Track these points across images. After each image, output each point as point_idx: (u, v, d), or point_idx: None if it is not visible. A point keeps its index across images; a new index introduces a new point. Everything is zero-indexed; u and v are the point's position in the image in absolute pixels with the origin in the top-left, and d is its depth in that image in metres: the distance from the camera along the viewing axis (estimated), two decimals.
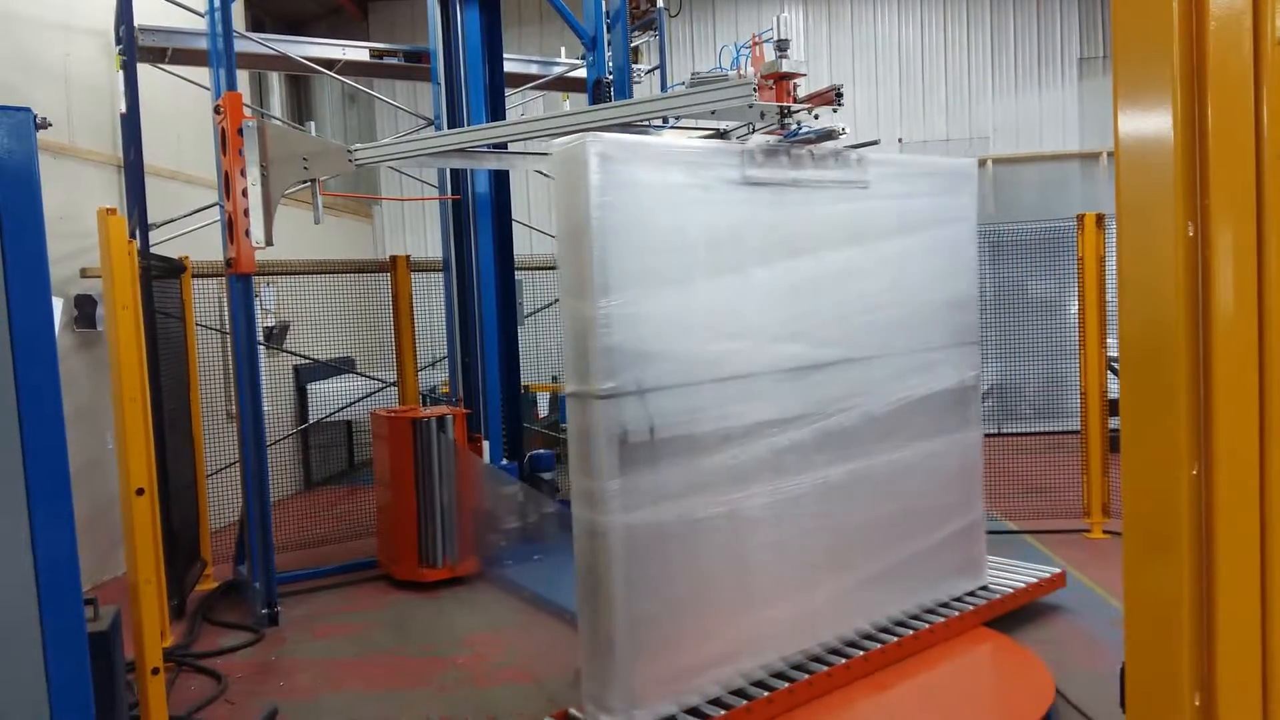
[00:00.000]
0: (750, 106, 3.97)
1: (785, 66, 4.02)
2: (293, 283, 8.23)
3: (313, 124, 9.82)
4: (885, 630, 4.61)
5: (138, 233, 6.02)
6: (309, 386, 9.70)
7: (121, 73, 6.37)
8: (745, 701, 3.88)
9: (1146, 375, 1.46)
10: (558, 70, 8.60)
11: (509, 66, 7.72)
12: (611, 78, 7.12)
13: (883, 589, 4.65)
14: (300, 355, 8.83)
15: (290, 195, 5.63)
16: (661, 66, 8.52)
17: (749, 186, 4.05)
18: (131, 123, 6.25)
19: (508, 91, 7.69)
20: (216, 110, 5.45)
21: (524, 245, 8.62)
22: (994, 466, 8.27)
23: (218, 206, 5.94)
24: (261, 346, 6.59)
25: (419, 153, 5.36)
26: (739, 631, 4.01)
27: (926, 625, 4.67)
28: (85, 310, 6.76)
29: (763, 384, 4.10)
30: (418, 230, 13.70)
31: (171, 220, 6.99)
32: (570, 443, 3.77)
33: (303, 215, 7.65)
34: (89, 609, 3.30)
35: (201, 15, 6.33)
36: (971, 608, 4.92)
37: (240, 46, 6.53)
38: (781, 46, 4.03)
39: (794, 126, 4.14)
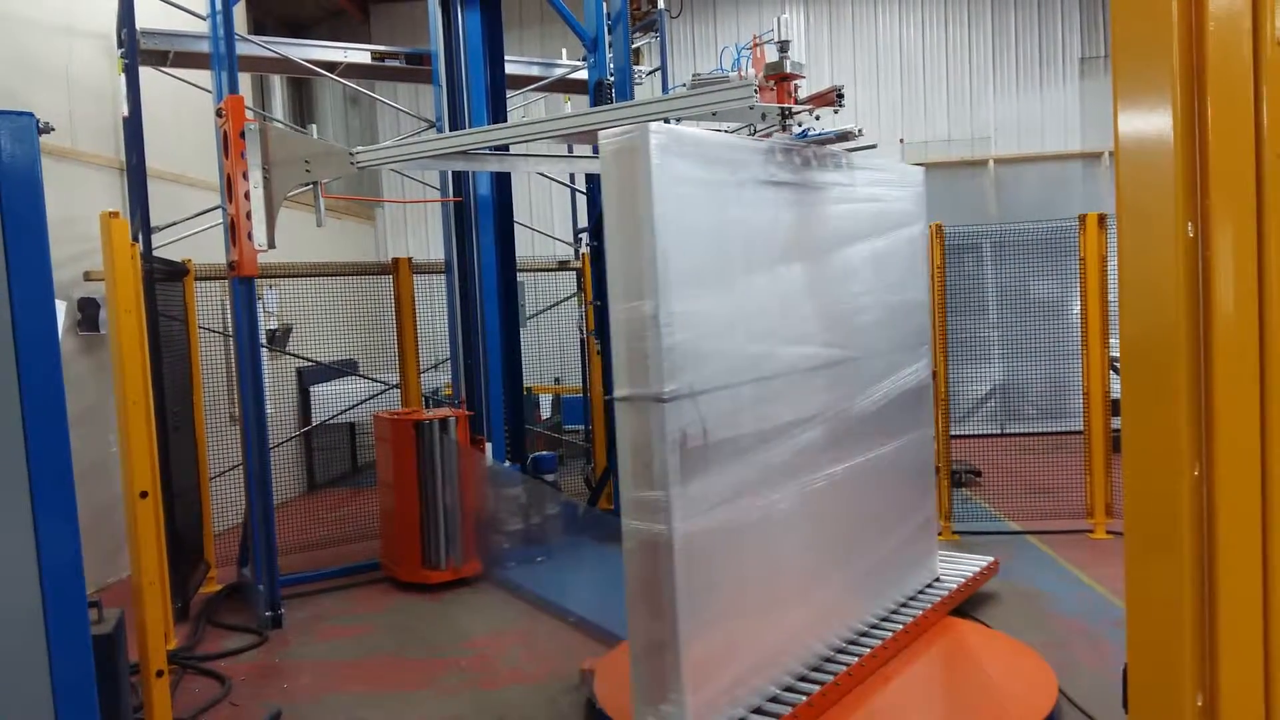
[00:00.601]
0: (751, 108, 3.97)
1: (786, 67, 4.03)
2: (295, 285, 8.24)
3: (314, 126, 9.86)
4: (875, 626, 4.66)
5: (140, 236, 6.03)
6: (312, 389, 9.71)
7: (123, 76, 6.39)
8: (802, 699, 3.86)
9: (1147, 376, 1.46)
10: (559, 72, 8.60)
11: (510, 68, 7.72)
12: (613, 79, 7.13)
13: (875, 584, 4.75)
14: (303, 358, 8.84)
15: (292, 198, 5.64)
16: (663, 68, 8.53)
17: (773, 186, 4.07)
18: (134, 126, 6.27)
19: (509, 93, 7.70)
20: (218, 113, 5.46)
21: (526, 247, 8.63)
22: (997, 467, 8.29)
23: (220, 209, 5.95)
24: (264, 349, 6.59)
25: (420, 155, 5.37)
26: (778, 634, 4.00)
27: (909, 618, 4.75)
28: (88, 313, 6.77)
29: (788, 384, 4.11)
30: (420, 232, 13.73)
31: (174, 223, 7.01)
32: (622, 451, 3.55)
33: (305, 218, 7.67)
34: (93, 611, 3.30)
35: (203, 18, 6.34)
36: (939, 599, 5.04)
37: (242, 49, 6.55)
38: (783, 48, 4.03)
39: (803, 127, 4.15)
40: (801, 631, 4.17)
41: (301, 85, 12.84)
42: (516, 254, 7.59)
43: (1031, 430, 10.03)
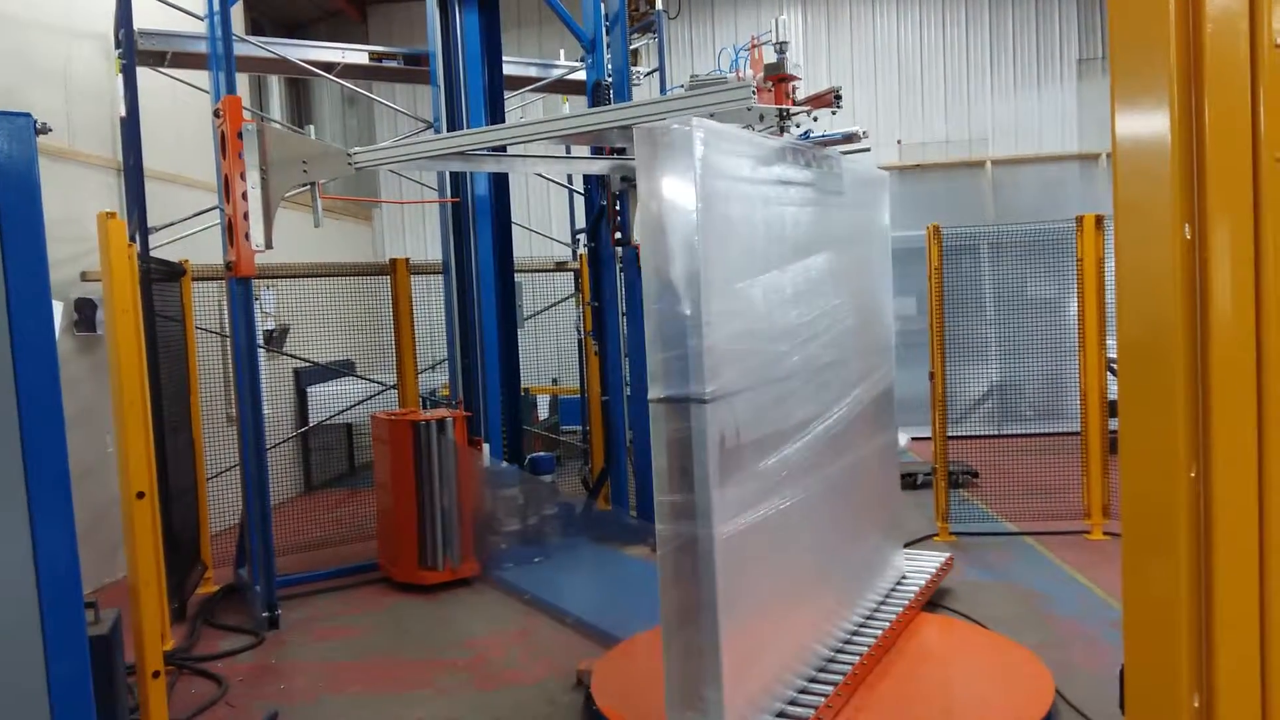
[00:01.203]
0: (749, 109, 3.98)
1: (785, 68, 4.04)
2: (293, 286, 8.23)
3: (312, 127, 9.84)
4: (863, 625, 4.70)
5: (138, 236, 6.02)
6: (309, 389, 9.70)
7: (121, 76, 6.38)
8: (820, 700, 3.88)
9: (1144, 377, 1.46)
10: (557, 73, 8.60)
11: (508, 69, 7.72)
12: (610, 80, 7.13)
13: (861, 583, 4.82)
14: (300, 358, 8.84)
15: (290, 198, 5.64)
16: (660, 69, 8.53)
17: (786, 186, 4.08)
18: (131, 126, 6.26)
19: (507, 94, 7.69)
20: (216, 113, 5.46)
21: (523, 248, 8.62)
22: (994, 468, 8.28)
23: (217, 210, 5.94)
24: (261, 349, 6.59)
25: (418, 156, 5.37)
26: (792, 636, 4.01)
27: (892, 615, 4.81)
28: (85, 314, 6.77)
29: (799, 383, 4.12)
30: (417, 233, 13.71)
31: (171, 224, 7.00)
32: (658, 455, 3.45)
33: (302, 218, 7.66)
34: (89, 612, 3.30)
35: (201, 19, 6.34)
36: (911, 596, 5.10)
37: (239, 50, 6.54)
38: (781, 49, 4.04)
39: (803, 129, 4.17)
40: (808, 632, 4.19)
41: (299, 86, 12.83)
42: (514, 255, 7.59)
43: (1028, 431, 10.04)
